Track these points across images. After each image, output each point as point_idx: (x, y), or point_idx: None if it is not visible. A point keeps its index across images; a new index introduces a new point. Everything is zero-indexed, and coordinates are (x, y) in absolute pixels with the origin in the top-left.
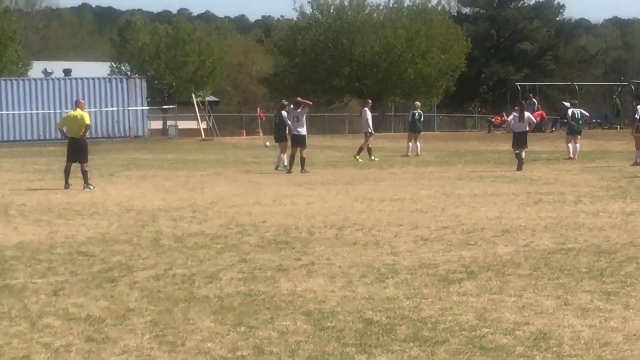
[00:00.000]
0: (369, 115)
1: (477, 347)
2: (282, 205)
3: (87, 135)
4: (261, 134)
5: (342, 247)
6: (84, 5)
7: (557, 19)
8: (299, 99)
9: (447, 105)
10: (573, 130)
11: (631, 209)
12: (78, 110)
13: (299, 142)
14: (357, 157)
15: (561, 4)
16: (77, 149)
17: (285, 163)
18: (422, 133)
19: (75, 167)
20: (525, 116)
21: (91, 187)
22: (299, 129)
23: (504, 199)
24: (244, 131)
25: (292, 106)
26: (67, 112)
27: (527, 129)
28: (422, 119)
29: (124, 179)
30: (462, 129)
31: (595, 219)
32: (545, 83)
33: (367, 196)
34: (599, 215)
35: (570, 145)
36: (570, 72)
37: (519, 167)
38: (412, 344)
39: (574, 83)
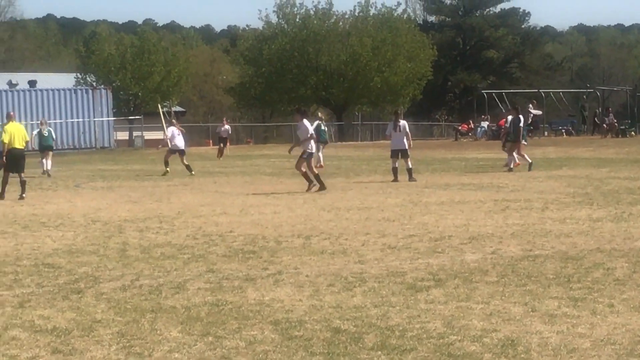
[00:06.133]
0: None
1: (445, 355)
2: (249, 214)
3: (54, 146)
4: (228, 144)
5: (310, 256)
6: (49, 16)
7: (523, 26)
8: None
9: (414, 114)
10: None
11: (598, 215)
12: (15, 122)
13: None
14: None
15: (526, 11)
16: (17, 160)
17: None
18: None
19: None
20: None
21: (24, 197)
22: None
23: (471, 206)
24: (211, 141)
25: None
26: (5, 126)
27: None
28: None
29: (90, 190)
30: (429, 137)
31: (562, 226)
32: (512, 90)
33: (334, 205)
34: (565, 221)
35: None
36: (537, 80)
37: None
38: (379, 353)
39: (540, 90)
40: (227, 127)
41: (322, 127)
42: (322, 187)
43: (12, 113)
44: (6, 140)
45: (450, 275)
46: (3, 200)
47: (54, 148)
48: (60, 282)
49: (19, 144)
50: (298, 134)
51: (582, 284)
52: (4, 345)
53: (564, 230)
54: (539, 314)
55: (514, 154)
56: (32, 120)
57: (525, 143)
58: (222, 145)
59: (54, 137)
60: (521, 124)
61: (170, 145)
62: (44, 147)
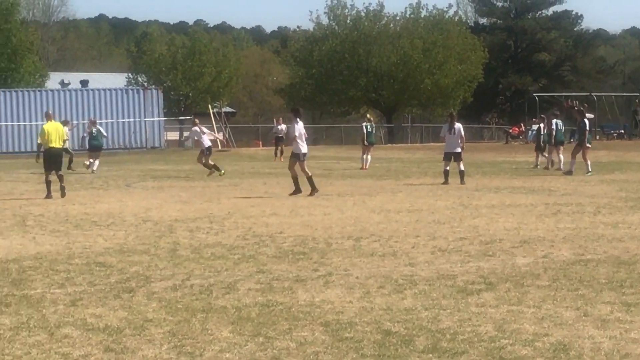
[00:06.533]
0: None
1: (496, 359)
2: (299, 216)
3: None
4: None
5: (360, 258)
6: (101, 16)
7: (575, 29)
8: None
9: (464, 116)
10: (557, 141)
11: None
12: (54, 121)
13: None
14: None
15: (579, 14)
16: (55, 158)
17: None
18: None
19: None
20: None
21: (64, 186)
22: None
23: (522, 210)
24: (260, 142)
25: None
26: (43, 126)
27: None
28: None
29: (141, 190)
30: (479, 140)
31: (615, 230)
32: (563, 94)
33: (384, 207)
34: (618, 226)
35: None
36: (588, 83)
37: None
38: (430, 355)
39: (592, 94)
40: (282, 126)
41: (369, 129)
42: (297, 191)
43: (50, 112)
44: (40, 141)
45: (502, 278)
46: (53, 200)
47: (104, 147)
48: (111, 281)
49: (56, 143)
50: (288, 133)
51: (635, 289)
52: (56, 343)
53: (617, 234)
54: (591, 319)
55: (575, 157)
56: (83, 120)
57: (589, 145)
58: (278, 146)
59: (105, 134)
60: (587, 128)
61: (204, 149)
62: (93, 146)
